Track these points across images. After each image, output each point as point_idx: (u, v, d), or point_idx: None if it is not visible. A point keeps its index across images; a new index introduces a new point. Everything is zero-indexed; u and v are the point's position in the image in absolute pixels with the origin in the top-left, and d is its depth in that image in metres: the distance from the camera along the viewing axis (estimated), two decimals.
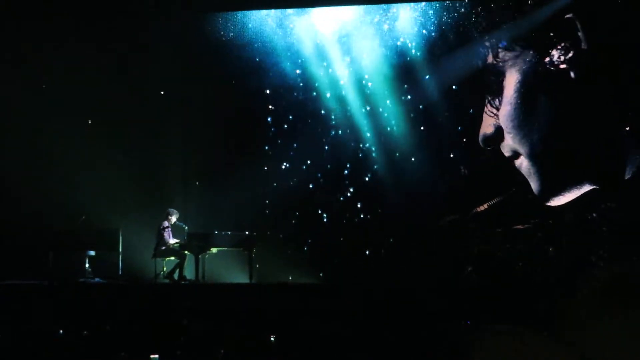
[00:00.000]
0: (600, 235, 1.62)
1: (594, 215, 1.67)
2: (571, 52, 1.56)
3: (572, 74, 1.56)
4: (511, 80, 1.65)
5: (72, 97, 15.33)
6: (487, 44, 1.75)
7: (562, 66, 1.57)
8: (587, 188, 1.65)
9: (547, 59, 1.59)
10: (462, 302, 10.25)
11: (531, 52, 1.63)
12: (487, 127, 1.77)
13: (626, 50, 1.58)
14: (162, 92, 15.91)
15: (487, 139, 1.78)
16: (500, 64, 1.68)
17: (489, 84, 1.72)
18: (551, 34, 1.59)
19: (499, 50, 1.69)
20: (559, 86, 1.58)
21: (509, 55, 1.67)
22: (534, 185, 1.69)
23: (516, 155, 1.72)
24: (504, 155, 1.78)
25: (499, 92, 1.69)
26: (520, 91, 1.64)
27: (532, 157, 1.65)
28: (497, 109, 1.69)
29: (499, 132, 1.73)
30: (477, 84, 1.79)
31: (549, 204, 1.72)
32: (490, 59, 1.71)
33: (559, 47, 1.58)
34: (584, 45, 1.55)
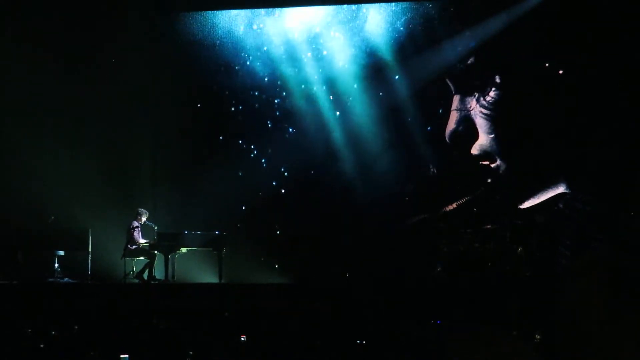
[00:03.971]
0: (567, 225, 1.68)
1: (560, 205, 1.73)
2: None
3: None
4: (498, 82, 1.69)
5: (41, 95, 15.27)
6: (460, 47, 1.79)
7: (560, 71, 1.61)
8: (560, 190, 1.70)
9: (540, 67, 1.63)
10: (431, 301, 10.35)
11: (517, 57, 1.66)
12: (455, 123, 1.81)
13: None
14: (132, 91, 15.82)
15: (456, 135, 1.82)
16: (484, 64, 1.72)
17: (475, 84, 1.76)
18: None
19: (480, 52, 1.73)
20: (551, 90, 1.63)
21: (492, 58, 1.71)
22: (512, 187, 1.74)
23: (488, 156, 1.76)
24: (472, 155, 1.82)
25: (486, 91, 1.73)
26: (509, 93, 1.68)
27: (510, 159, 1.69)
28: (488, 106, 1.73)
29: (468, 129, 1.77)
30: (462, 82, 1.83)
31: (523, 205, 1.77)
32: (471, 60, 1.75)
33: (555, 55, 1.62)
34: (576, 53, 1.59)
